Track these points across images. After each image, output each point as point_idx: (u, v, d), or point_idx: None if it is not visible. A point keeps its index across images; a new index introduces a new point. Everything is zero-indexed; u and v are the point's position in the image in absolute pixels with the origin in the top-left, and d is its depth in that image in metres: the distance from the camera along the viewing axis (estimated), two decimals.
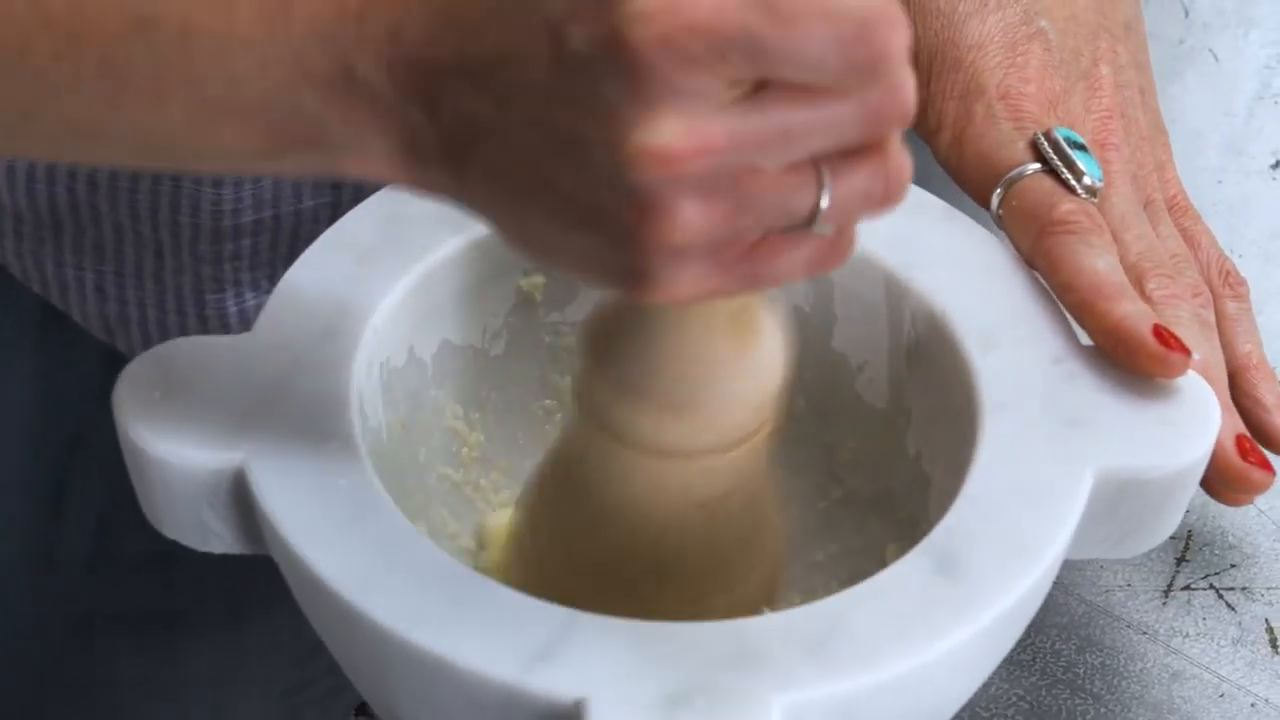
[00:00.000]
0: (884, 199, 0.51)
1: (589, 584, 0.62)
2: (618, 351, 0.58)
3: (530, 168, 0.50)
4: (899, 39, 0.48)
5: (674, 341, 0.57)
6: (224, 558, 0.64)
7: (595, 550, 0.62)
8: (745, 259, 0.51)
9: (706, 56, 0.47)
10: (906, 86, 0.49)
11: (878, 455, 0.69)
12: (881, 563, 0.59)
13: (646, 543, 0.61)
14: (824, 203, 0.50)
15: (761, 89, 0.48)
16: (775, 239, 0.51)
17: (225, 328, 0.84)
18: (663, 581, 0.62)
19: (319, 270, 0.65)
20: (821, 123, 0.49)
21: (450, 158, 0.52)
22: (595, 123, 0.48)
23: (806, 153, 0.50)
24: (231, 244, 0.81)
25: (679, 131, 0.48)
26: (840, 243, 0.52)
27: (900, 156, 0.51)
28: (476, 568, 0.69)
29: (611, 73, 0.47)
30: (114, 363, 0.64)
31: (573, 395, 0.60)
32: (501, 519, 0.70)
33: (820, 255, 0.52)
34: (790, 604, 0.64)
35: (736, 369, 0.58)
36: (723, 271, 0.51)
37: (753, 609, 0.61)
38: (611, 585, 0.62)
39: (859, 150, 0.50)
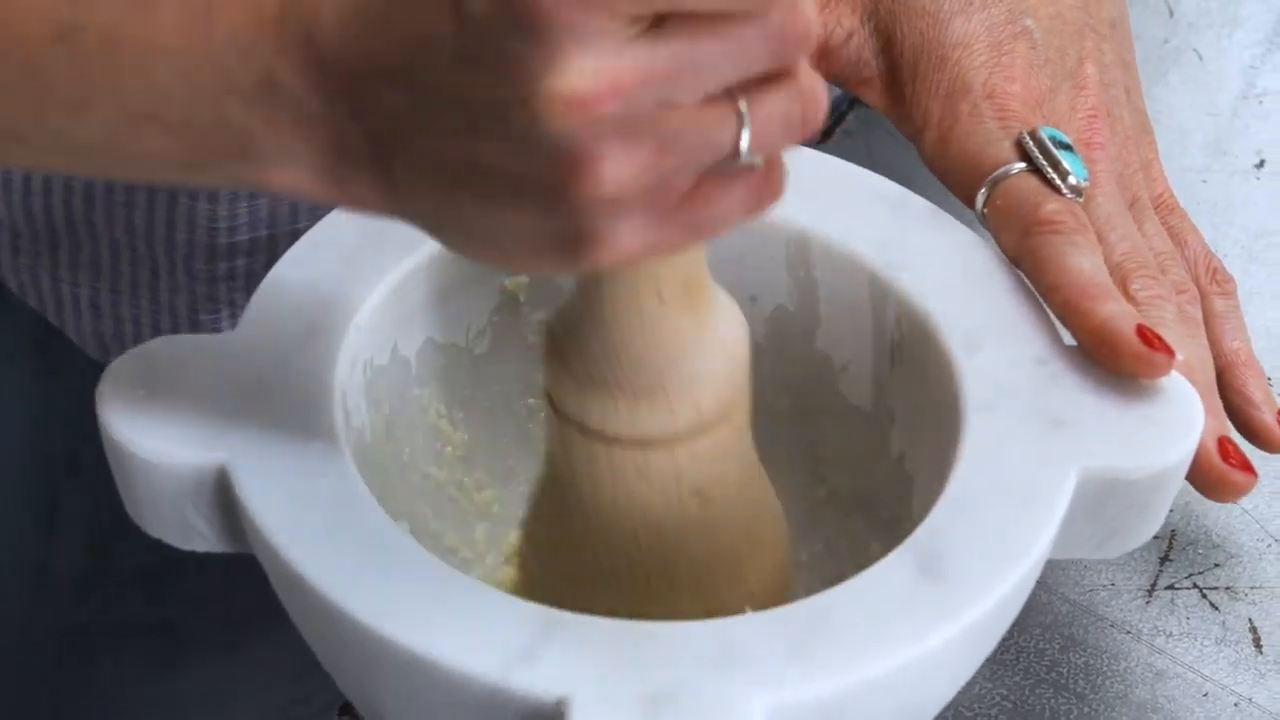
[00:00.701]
0: (803, 123, 0.51)
1: (601, 593, 0.61)
2: (581, 347, 0.58)
3: (454, 151, 0.50)
4: None
5: (632, 326, 0.57)
6: (220, 575, 0.64)
7: (599, 557, 0.62)
8: (682, 207, 0.51)
9: None
10: (803, 6, 0.49)
11: (861, 455, 0.69)
12: (865, 563, 0.59)
13: (648, 540, 0.60)
14: (745, 133, 0.50)
15: (663, 23, 0.48)
16: (708, 182, 0.51)
17: None
18: (674, 578, 0.61)
19: (303, 269, 0.65)
20: (727, 50, 0.49)
21: (377, 159, 0.52)
22: (506, 83, 0.48)
23: (718, 83, 0.50)
24: (226, 263, 0.80)
25: (586, 73, 0.47)
26: (772, 177, 0.52)
27: (813, 79, 0.51)
28: (494, 580, 0.69)
29: (512, 27, 0.47)
30: None
31: (546, 400, 0.60)
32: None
33: (755, 192, 0.52)
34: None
35: (698, 344, 0.58)
36: (662, 222, 0.51)
37: (769, 601, 0.61)
38: (624, 590, 0.61)
39: (771, 77, 0.50)
